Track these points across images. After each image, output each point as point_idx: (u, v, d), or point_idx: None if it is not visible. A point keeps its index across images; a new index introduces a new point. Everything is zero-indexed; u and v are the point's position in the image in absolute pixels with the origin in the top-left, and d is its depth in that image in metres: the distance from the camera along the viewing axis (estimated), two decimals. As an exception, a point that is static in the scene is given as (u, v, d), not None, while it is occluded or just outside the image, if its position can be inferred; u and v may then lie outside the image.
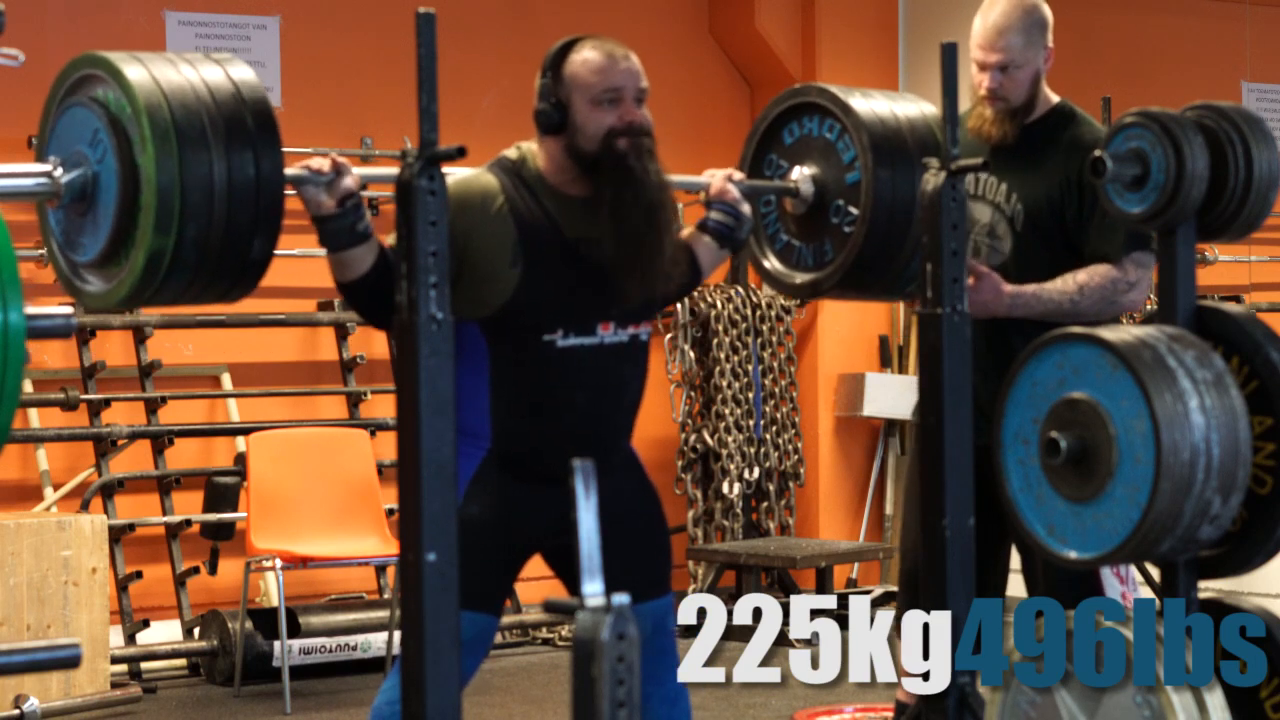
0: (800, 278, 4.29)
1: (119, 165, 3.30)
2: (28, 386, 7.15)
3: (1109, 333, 3.47)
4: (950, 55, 3.78)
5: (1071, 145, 4.53)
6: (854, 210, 4.16)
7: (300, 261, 7.33)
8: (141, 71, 3.32)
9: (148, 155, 3.27)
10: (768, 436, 8.38)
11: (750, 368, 8.34)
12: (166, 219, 3.27)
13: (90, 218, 3.38)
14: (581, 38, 3.93)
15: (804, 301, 8.39)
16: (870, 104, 4.17)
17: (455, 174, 3.87)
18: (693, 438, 8.32)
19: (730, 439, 8.28)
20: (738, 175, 4.16)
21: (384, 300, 3.51)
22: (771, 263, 4.34)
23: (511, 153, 3.96)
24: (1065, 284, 4.45)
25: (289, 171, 3.46)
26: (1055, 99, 4.65)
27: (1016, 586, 4.63)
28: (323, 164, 3.57)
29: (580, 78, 3.87)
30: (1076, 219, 4.50)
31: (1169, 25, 9.78)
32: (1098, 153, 3.61)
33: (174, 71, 3.34)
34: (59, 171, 3.37)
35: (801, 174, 4.25)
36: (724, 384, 8.30)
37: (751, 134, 4.40)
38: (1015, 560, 4.60)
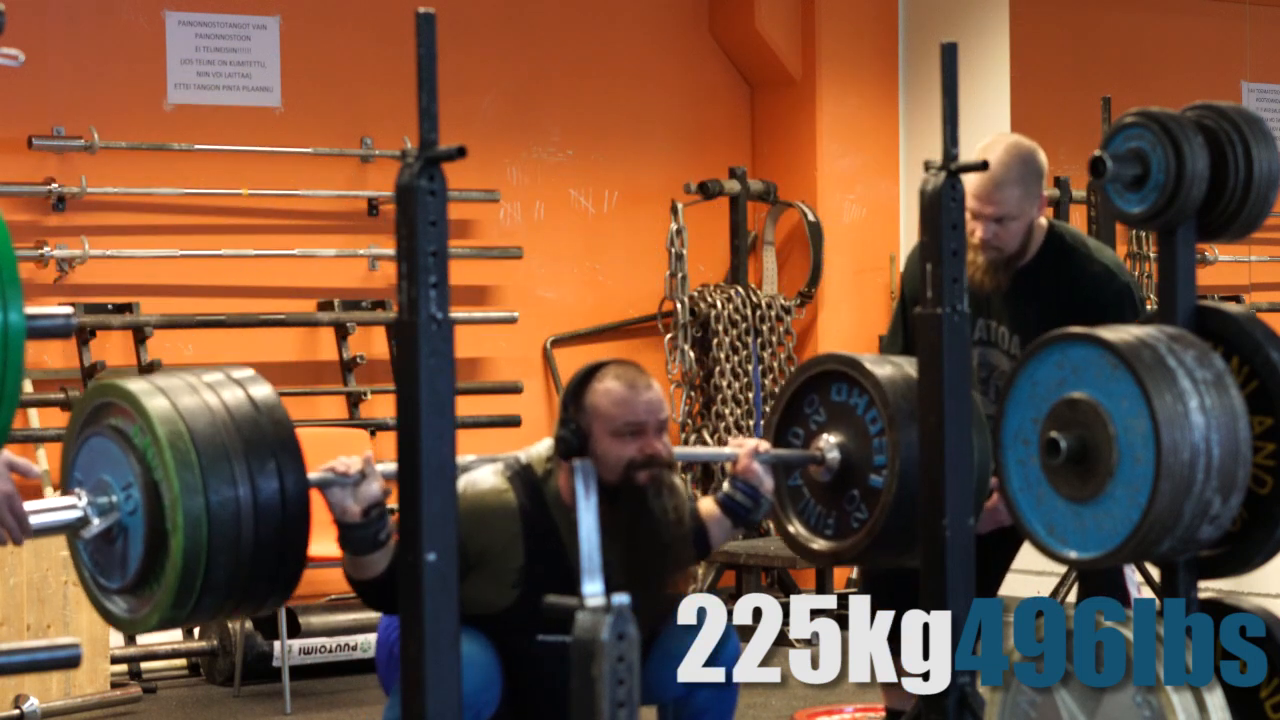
0: (819, 544, 4.22)
1: (144, 499, 3.32)
2: (28, 386, 7.15)
3: (1109, 333, 3.47)
4: (950, 55, 3.78)
5: (1069, 281, 4.48)
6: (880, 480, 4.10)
7: (300, 261, 7.31)
8: (159, 399, 3.34)
9: (172, 489, 3.28)
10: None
11: (750, 368, 8.34)
12: (195, 549, 3.28)
13: (119, 546, 3.40)
14: (604, 365, 3.97)
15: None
16: (889, 365, 4.11)
17: (476, 475, 3.94)
18: (693, 438, 8.32)
19: (730, 439, 8.28)
20: (764, 446, 4.14)
21: (395, 597, 3.57)
22: (795, 527, 4.26)
23: (536, 464, 3.99)
24: None
25: (313, 476, 3.47)
26: (1044, 226, 4.57)
27: (1016, 586, 4.63)
28: (349, 465, 3.58)
29: (602, 409, 3.91)
30: None
31: (1169, 25, 9.78)
32: (1097, 153, 3.61)
33: (193, 397, 3.36)
34: (84, 501, 3.38)
35: (828, 442, 4.18)
36: (724, 384, 8.30)
37: (773, 411, 4.30)
38: (1014, 560, 4.60)
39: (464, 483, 3.90)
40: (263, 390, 3.43)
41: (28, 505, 3.28)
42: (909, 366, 4.06)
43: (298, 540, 3.38)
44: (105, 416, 3.42)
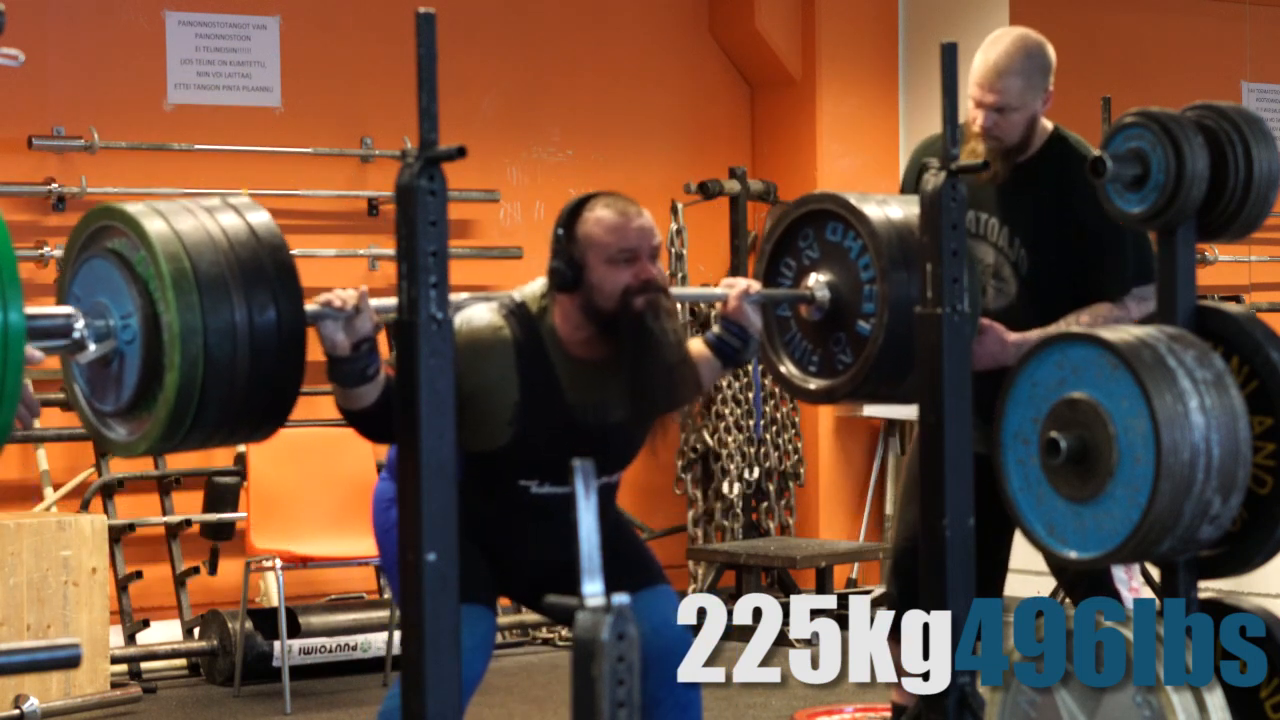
0: (814, 384, 4.24)
1: (142, 322, 3.31)
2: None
3: (1109, 333, 3.47)
4: (950, 55, 3.78)
5: (1069, 184, 4.48)
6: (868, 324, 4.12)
7: (300, 261, 7.26)
8: (161, 224, 3.32)
9: (170, 311, 3.27)
10: (768, 436, 8.38)
11: (750, 367, 8.34)
12: (189, 387, 3.28)
13: (114, 370, 3.38)
14: (593, 195, 3.95)
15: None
16: (884, 210, 4.11)
17: (471, 312, 3.91)
18: (692, 438, 8.32)
19: (730, 439, 8.28)
20: (755, 286, 4.13)
21: (385, 426, 3.59)
22: (787, 367, 4.29)
23: (530, 302, 3.97)
24: (1069, 326, 4.40)
25: (308, 308, 3.45)
26: (1049, 128, 4.58)
27: (1016, 586, 4.63)
28: (345, 299, 3.54)
29: (595, 237, 3.89)
30: (1079, 258, 4.45)
31: (1169, 25, 9.78)
32: (1097, 153, 3.61)
33: (192, 221, 3.34)
34: (82, 323, 3.35)
35: (817, 280, 4.19)
36: (723, 383, 8.30)
37: (766, 239, 4.32)
38: (1014, 560, 4.60)
39: (460, 320, 3.85)
40: (261, 217, 3.41)
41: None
42: (906, 210, 4.04)
43: (291, 374, 3.37)
44: (106, 238, 3.40)
